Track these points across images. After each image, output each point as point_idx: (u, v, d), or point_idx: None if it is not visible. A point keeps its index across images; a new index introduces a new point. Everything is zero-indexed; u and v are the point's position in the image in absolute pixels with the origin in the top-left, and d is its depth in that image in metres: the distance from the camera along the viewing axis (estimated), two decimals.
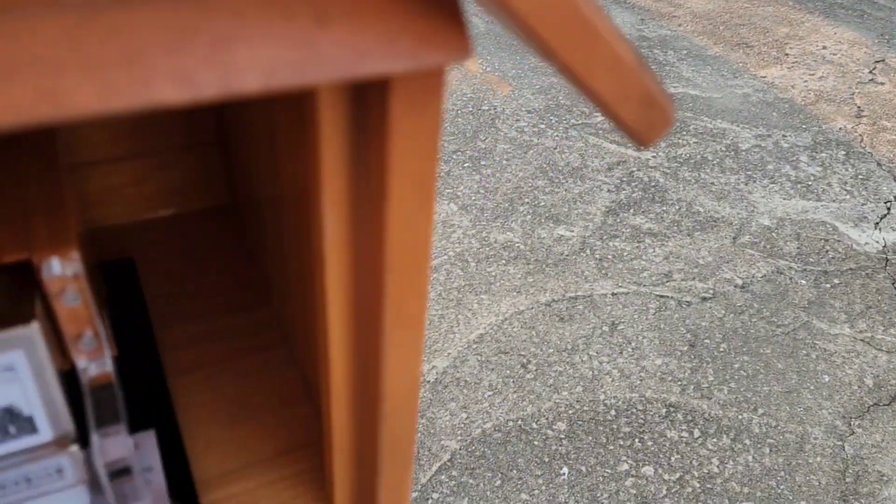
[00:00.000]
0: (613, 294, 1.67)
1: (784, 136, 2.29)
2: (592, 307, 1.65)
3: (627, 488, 1.33)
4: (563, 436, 1.41)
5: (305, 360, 0.51)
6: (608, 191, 2.00)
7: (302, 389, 0.51)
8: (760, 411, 1.46)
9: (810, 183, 2.11)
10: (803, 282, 1.77)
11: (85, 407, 0.38)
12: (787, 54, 2.75)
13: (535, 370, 1.51)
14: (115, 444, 0.38)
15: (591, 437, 1.41)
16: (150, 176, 0.60)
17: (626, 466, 1.37)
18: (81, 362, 0.39)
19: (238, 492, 0.45)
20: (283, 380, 0.51)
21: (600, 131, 2.22)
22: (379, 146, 0.28)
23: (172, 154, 0.60)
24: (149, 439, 0.40)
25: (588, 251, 1.80)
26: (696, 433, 1.42)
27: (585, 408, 1.45)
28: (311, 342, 0.45)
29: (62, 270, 0.36)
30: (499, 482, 1.32)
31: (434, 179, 0.29)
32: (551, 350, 1.55)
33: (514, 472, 1.34)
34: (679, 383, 1.50)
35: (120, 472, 0.38)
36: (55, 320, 0.38)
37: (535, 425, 1.41)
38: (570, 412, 1.44)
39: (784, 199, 2.04)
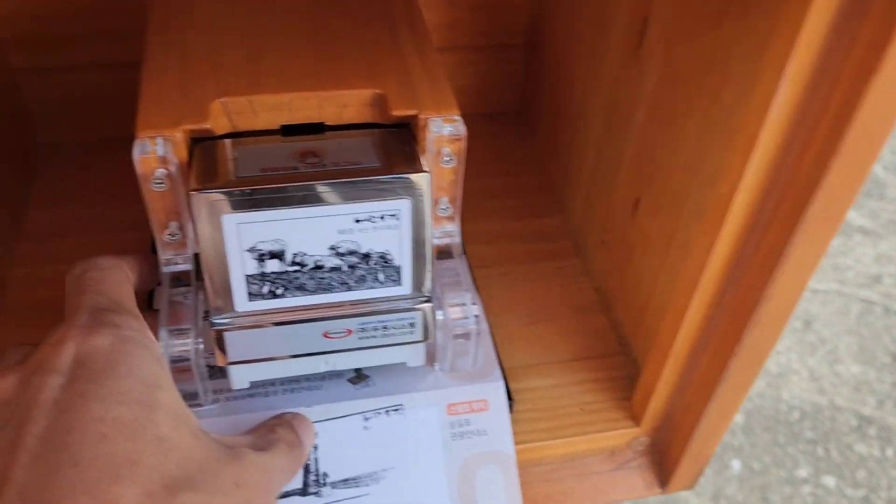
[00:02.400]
0: (813, 290, 1.57)
1: None
2: None
3: (804, 495, 1.26)
4: (738, 428, 1.34)
5: (603, 274, 0.49)
6: None
7: (597, 300, 0.49)
8: None
9: None
10: None
11: (432, 271, 0.38)
12: None
13: None
14: (460, 308, 0.38)
15: (768, 435, 1.34)
16: (452, 72, 0.60)
17: (804, 473, 1.29)
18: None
19: (539, 386, 0.44)
20: (577, 289, 0.50)
21: None
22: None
23: (476, 52, 0.60)
24: (479, 307, 0.40)
25: None
26: (889, 452, 1.32)
27: (766, 404, 1.38)
28: (617, 259, 0.44)
29: (444, 130, 0.36)
30: None
31: None
32: None
33: None
34: (876, 396, 1.39)
35: (460, 335, 0.39)
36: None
37: None
38: (749, 405, 1.37)
39: None
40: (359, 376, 0.42)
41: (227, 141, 0.35)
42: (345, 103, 0.37)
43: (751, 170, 0.31)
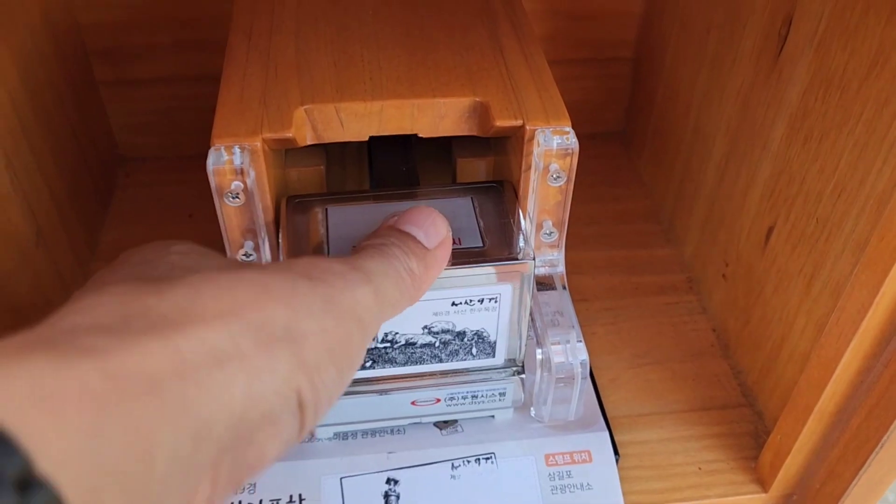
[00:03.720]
0: None
1: None
2: None
3: None
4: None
5: (723, 313, 0.44)
6: None
7: (715, 343, 0.44)
8: None
9: None
10: None
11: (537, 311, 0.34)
12: None
13: None
14: (564, 348, 0.33)
15: None
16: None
17: None
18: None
19: (649, 439, 0.39)
20: (692, 328, 0.44)
21: None
22: None
23: (577, 66, 0.55)
24: (584, 348, 0.35)
25: None
26: None
27: None
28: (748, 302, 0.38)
29: (553, 143, 0.32)
30: None
31: None
32: None
33: None
34: None
35: (562, 379, 0.34)
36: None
37: None
38: None
39: None
40: (447, 421, 0.37)
41: (318, 207, 0.33)
42: (441, 113, 0.33)
43: None
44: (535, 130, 0.32)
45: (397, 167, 0.37)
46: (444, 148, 0.41)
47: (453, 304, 0.31)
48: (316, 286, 0.21)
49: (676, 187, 0.49)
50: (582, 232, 0.49)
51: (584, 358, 0.33)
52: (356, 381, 0.33)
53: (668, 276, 0.48)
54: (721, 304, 0.44)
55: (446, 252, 0.28)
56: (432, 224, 0.28)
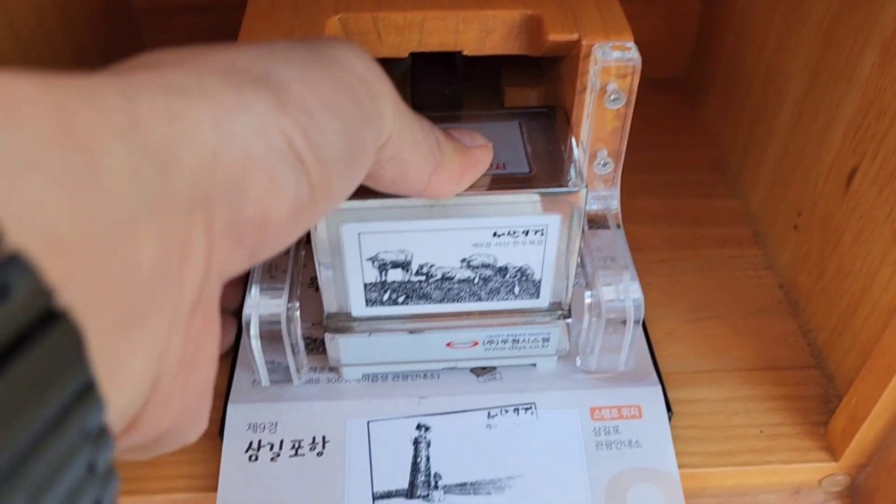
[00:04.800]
0: None
1: None
2: None
3: None
4: None
5: (792, 268, 0.40)
6: None
7: (782, 299, 0.40)
8: None
9: None
10: None
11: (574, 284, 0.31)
12: None
13: None
14: (616, 289, 0.30)
15: None
16: None
17: None
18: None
19: (705, 398, 0.35)
20: (757, 283, 0.41)
21: None
22: None
23: (639, 5, 0.51)
24: (639, 289, 0.32)
25: None
26: None
27: None
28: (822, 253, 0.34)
29: (612, 58, 0.28)
30: None
31: None
32: None
33: None
34: None
35: (613, 322, 0.31)
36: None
37: None
38: None
39: None
40: (484, 367, 0.35)
41: None
42: (489, 27, 0.30)
43: None
44: (591, 46, 0.29)
45: (440, 89, 0.34)
46: (491, 77, 0.38)
47: (495, 234, 0.28)
48: (298, 45, 0.19)
49: (745, 134, 0.45)
50: (639, 180, 0.46)
51: (637, 296, 0.30)
52: (387, 318, 0.31)
53: (732, 228, 0.44)
54: (791, 258, 0.40)
55: (485, 155, 0.26)
56: (470, 134, 0.26)
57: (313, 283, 0.37)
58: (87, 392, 0.11)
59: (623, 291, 0.30)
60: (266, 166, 0.16)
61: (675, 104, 0.53)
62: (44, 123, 0.11)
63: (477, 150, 0.25)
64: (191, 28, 0.51)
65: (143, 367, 0.14)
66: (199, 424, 0.18)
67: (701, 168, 0.48)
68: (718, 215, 0.45)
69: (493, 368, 0.34)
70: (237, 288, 0.33)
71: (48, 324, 0.10)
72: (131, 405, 0.14)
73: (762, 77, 0.43)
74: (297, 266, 0.31)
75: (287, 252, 0.31)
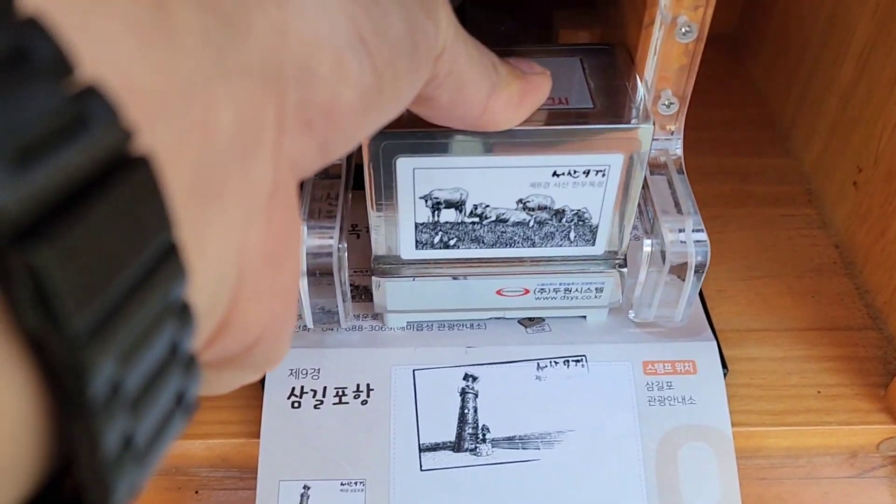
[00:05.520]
0: None
1: None
2: None
3: None
4: None
5: (848, 227, 0.38)
6: None
7: (837, 259, 0.38)
8: None
9: None
10: None
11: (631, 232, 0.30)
12: None
13: None
14: (680, 235, 0.29)
15: None
16: None
17: None
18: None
19: (761, 356, 0.34)
20: (811, 242, 0.39)
21: None
22: None
23: None
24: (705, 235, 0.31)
25: None
26: None
27: None
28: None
29: None
30: None
31: None
32: None
33: None
34: None
35: (678, 268, 0.29)
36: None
37: None
38: None
39: None
40: (533, 318, 0.33)
41: None
42: None
43: None
44: None
45: (494, 27, 0.32)
46: (544, 23, 0.36)
47: (555, 174, 0.27)
48: None
49: (800, 89, 0.43)
50: (687, 136, 0.44)
51: (702, 239, 0.28)
52: (437, 262, 0.30)
53: (784, 186, 0.42)
54: (848, 217, 0.38)
55: (544, 82, 0.24)
56: (528, 62, 0.24)
57: (354, 231, 0.36)
58: (170, 255, 0.10)
59: (687, 237, 0.29)
60: (333, 46, 0.15)
61: (723, 61, 0.51)
62: None
63: (535, 77, 0.24)
64: None
65: (223, 250, 0.13)
66: (285, 341, 0.17)
67: (750, 125, 0.46)
68: (769, 173, 0.43)
69: (542, 320, 0.33)
70: None
71: (129, 167, 0.09)
72: (217, 294, 0.14)
73: (822, 27, 0.41)
74: (345, 207, 0.30)
75: (335, 195, 0.30)
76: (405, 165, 0.26)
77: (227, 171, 0.13)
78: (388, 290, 0.30)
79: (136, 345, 0.10)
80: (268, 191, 0.14)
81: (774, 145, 0.45)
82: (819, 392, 0.33)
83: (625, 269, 0.31)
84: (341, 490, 0.29)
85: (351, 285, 0.34)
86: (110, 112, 0.09)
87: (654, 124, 0.26)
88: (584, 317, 0.33)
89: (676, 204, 0.30)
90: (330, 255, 0.28)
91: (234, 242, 0.14)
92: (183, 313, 0.11)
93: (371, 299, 0.31)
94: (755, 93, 0.49)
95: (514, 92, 0.23)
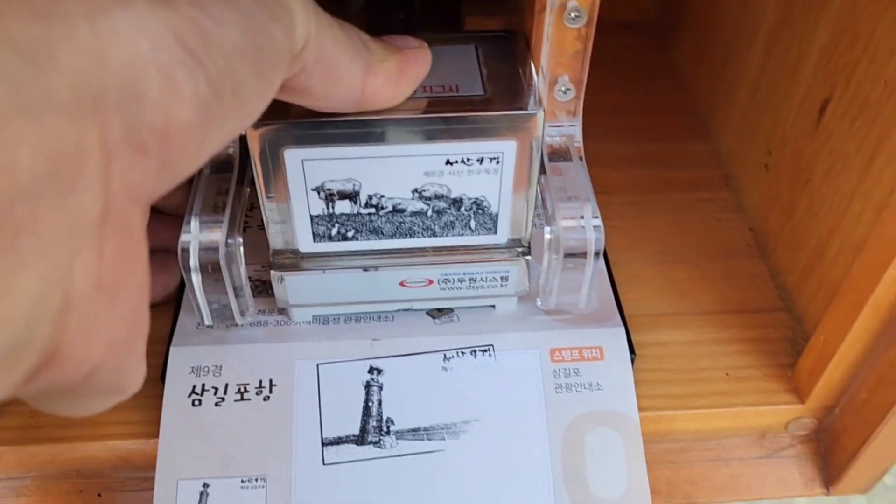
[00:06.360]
0: None
1: None
2: None
3: None
4: None
5: (761, 209, 0.39)
6: None
7: (751, 242, 0.39)
8: None
9: None
10: None
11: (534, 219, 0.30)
12: None
13: None
14: (576, 222, 0.29)
15: None
16: None
17: None
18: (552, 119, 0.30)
19: (670, 340, 0.34)
20: (726, 226, 0.40)
21: None
22: None
23: None
24: (600, 223, 0.31)
25: None
26: None
27: None
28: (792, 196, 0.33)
29: None
30: None
31: None
32: None
33: None
34: None
35: (572, 255, 0.29)
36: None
37: None
38: None
39: None
40: (441, 309, 0.33)
41: None
42: None
43: None
44: None
45: (394, 14, 0.32)
46: (452, 9, 0.36)
47: (448, 162, 0.27)
48: None
49: (716, 75, 0.44)
50: (608, 123, 0.44)
51: (598, 224, 0.28)
52: (336, 255, 0.29)
53: (702, 171, 0.42)
54: (761, 199, 0.39)
55: (422, 55, 0.24)
56: (402, 38, 0.24)
57: (261, 227, 0.36)
58: None
59: (583, 223, 0.29)
60: (158, 64, 0.15)
61: (645, 48, 0.51)
62: None
63: (412, 51, 0.24)
64: None
65: (37, 284, 0.13)
66: (134, 367, 0.17)
67: (672, 112, 0.46)
68: (688, 158, 0.43)
69: (451, 310, 0.33)
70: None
71: None
72: (31, 328, 0.13)
73: (734, 14, 0.41)
74: (238, 200, 0.29)
75: (231, 189, 0.29)
76: (293, 157, 0.26)
77: (36, 205, 0.13)
78: (288, 285, 0.30)
79: None
80: (95, 220, 0.14)
81: (695, 131, 0.45)
82: (728, 374, 0.33)
83: (529, 257, 0.30)
84: (242, 487, 0.29)
85: (258, 280, 0.34)
86: None
87: (544, 110, 0.26)
88: (494, 306, 0.33)
89: (575, 192, 0.30)
90: (217, 250, 0.27)
91: (53, 274, 0.13)
92: None
93: (271, 294, 0.31)
94: (678, 80, 0.49)
95: (390, 67, 0.23)
